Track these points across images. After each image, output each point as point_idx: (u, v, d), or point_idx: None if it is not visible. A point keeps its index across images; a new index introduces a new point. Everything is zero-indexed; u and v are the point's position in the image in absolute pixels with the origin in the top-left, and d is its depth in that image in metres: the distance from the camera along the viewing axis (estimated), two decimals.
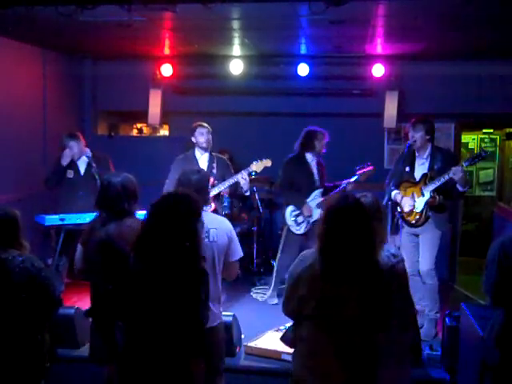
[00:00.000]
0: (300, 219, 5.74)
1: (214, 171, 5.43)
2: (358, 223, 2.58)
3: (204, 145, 5.45)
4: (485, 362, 3.03)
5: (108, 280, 3.27)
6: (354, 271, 2.55)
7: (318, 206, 5.61)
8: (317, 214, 5.54)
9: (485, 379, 3.06)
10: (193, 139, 5.48)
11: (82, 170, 5.72)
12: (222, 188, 5.34)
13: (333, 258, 2.56)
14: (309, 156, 5.81)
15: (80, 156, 5.67)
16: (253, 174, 5.71)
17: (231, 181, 5.34)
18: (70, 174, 5.69)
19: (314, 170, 5.82)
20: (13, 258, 3.08)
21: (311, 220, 5.68)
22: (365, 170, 5.63)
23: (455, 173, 4.53)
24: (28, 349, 3.10)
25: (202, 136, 5.43)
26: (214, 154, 5.57)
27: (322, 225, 2.64)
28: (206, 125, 5.48)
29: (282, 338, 2.94)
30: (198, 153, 5.50)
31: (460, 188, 4.65)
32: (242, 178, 5.29)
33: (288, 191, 5.85)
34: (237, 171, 5.56)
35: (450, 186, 4.66)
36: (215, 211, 5.24)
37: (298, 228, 5.75)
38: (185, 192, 2.79)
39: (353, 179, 5.61)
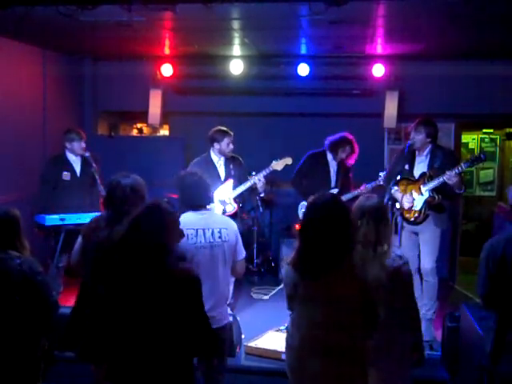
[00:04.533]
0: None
1: (233, 172, 5.37)
2: (330, 220, 2.58)
3: (229, 155, 5.35)
4: (481, 363, 3.04)
5: (98, 281, 3.28)
6: (326, 269, 2.56)
7: None
8: None
9: (484, 380, 3.07)
10: (215, 145, 5.31)
11: (78, 171, 5.67)
12: (241, 190, 5.32)
13: (306, 256, 2.57)
14: (329, 155, 5.83)
15: (78, 155, 5.64)
16: (253, 173, 5.66)
17: (248, 183, 5.31)
18: (67, 176, 5.61)
19: (332, 170, 5.83)
20: (11, 259, 3.06)
21: None
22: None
23: (449, 178, 4.53)
24: (22, 351, 3.08)
25: (228, 146, 5.29)
26: (230, 155, 5.42)
27: (300, 222, 2.72)
28: (231, 133, 5.34)
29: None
30: (214, 156, 5.39)
31: (456, 190, 4.67)
32: (260, 180, 5.24)
33: (297, 181, 5.88)
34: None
35: (447, 186, 4.66)
36: (236, 213, 5.23)
37: None
38: (156, 203, 2.74)
39: (368, 186, 5.59)
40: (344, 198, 5.55)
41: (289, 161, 5.45)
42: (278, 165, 5.41)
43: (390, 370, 3.00)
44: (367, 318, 2.64)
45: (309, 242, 2.60)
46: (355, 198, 5.51)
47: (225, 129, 5.37)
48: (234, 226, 3.52)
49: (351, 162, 5.83)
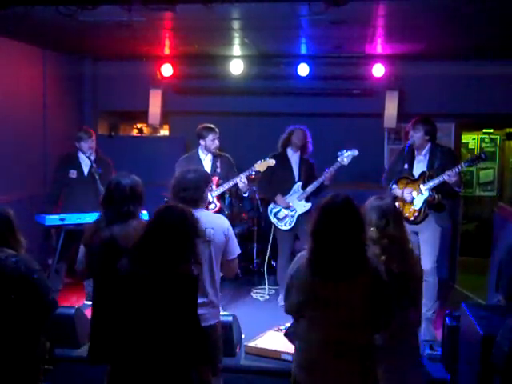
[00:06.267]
0: (281, 215, 5.75)
1: (219, 170, 5.45)
2: (346, 222, 2.59)
3: (214, 150, 5.46)
4: (493, 363, 3.02)
5: (105, 280, 3.27)
6: (344, 270, 2.57)
7: (299, 198, 5.69)
8: (300, 206, 5.62)
9: (494, 380, 3.05)
10: (201, 142, 5.46)
11: (86, 171, 5.67)
12: (224, 188, 5.39)
13: (323, 258, 2.57)
14: (289, 152, 5.85)
15: (89, 154, 5.64)
16: (252, 172, 5.73)
17: (231, 183, 5.37)
18: (73, 174, 5.64)
19: (294, 166, 5.84)
20: (6, 257, 3.04)
21: (295, 214, 5.69)
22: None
23: (450, 177, 4.54)
24: (21, 351, 3.06)
25: (213, 142, 5.42)
26: (217, 153, 5.55)
27: (312, 225, 2.67)
28: (216, 129, 5.45)
29: (286, 334, 2.96)
30: (201, 153, 5.51)
31: (456, 188, 4.70)
32: (241, 180, 5.31)
33: (263, 185, 5.92)
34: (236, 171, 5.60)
35: (447, 185, 4.67)
36: (220, 211, 5.26)
37: (281, 224, 5.76)
38: (179, 208, 2.76)
39: (331, 170, 5.60)
40: (311, 187, 5.63)
41: (271, 162, 5.52)
42: (260, 166, 5.50)
43: (403, 368, 3.03)
44: (380, 316, 2.65)
45: (329, 245, 2.57)
46: (322, 186, 5.60)
47: (211, 125, 5.47)
48: (223, 224, 3.45)
49: (310, 148, 5.82)
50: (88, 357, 3.17)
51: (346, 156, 5.53)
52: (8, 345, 3.03)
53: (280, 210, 5.74)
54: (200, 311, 3.18)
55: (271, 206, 5.84)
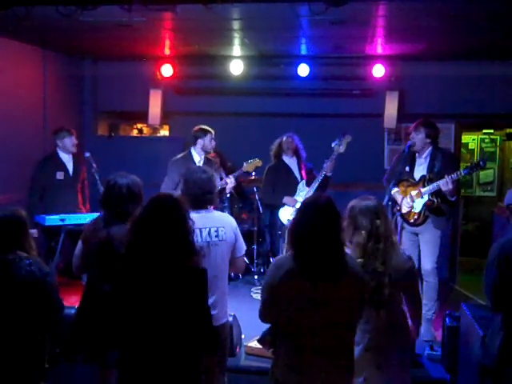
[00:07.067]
0: (292, 217, 5.76)
1: None
2: (330, 223, 2.58)
3: (211, 150, 5.60)
4: (483, 364, 3.02)
5: (103, 281, 3.28)
6: (332, 271, 2.57)
7: (307, 195, 5.69)
8: None
9: (485, 382, 3.05)
10: (199, 141, 5.49)
11: (71, 170, 5.76)
12: None
13: (311, 260, 2.56)
14: (286, 158, 5.97)
15: (70, 153, 5.72)
16: (252, 174, 5.76)
17: (221, 183, 5.46)
18: (61, 175, 5.67)
19: (294, 169, 5.93)
20: (20, 260, 3.05)
21: None
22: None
23: (444, 185, 4.51)
24: (28, 350, 3.08)
25: (211, 142, 5.52)
26: (209, 155, 5.66)
27: (295, 225, 2.66)
28: (212, 130, 5.57)
29: (260, 341, 2.92)
30: (196, 155, 5.51)
31: (448, 197, 4.65)
32: (230, 181, 5.47)
33: (267, 192, 5.99)
34: (234, 172, 5.65)
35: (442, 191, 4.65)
36: None
37: None
38: (167, 194, 2.75)
39: (332, 158, 5.60)
40: (316, 181, 5.62)
41: (259, 163, 5.69)
42: (249, 167, 5.66)
43: (392, 370, 3.03)
44: (358, 314, 2.69)
45: (315, 246, 2.56)
46: (326, 179, 5.61)
47: (206, 127, 5.57)
48: (231, 223, 3.49)
49: (303, 154, 5.97)
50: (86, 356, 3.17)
51: (339, 144, 5.54)
52: (19, 345, 3.05)
53: (292, 213, 5.74)
54: (213, 311, 3.21)
55: (280, 211, 5.83)
